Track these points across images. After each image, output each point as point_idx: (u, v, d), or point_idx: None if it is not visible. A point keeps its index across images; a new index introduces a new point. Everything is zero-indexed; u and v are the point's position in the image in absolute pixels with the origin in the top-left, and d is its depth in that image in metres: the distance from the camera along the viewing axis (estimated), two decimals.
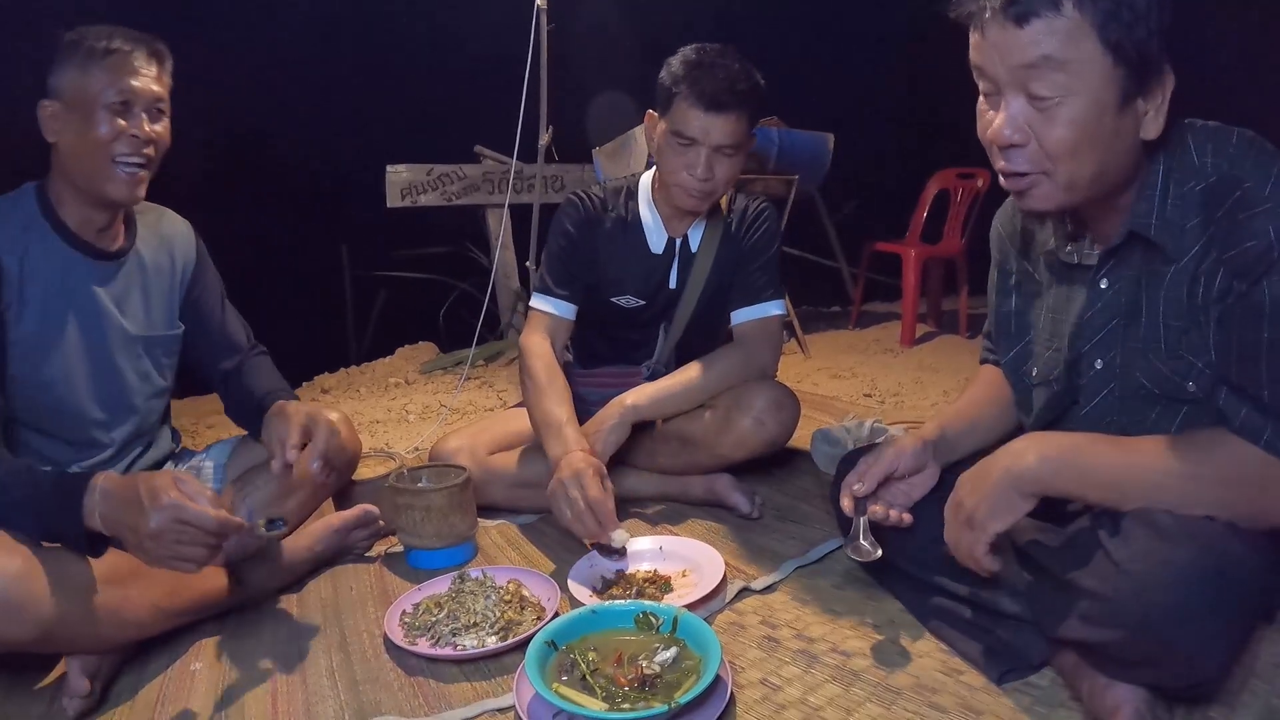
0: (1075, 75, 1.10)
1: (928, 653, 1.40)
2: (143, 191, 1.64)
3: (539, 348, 2.05)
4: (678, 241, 2.14)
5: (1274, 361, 1.10)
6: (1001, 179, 1.24)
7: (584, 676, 1.23)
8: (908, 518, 1.45)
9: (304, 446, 1.61)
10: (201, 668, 1.50)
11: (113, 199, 1.61)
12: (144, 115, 1.60)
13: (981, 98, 1.23)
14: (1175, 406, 1.22)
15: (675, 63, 1.94)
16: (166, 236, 1.82)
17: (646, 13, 4.63)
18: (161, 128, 1.64)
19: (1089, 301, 1.29)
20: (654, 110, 2.02)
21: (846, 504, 1.46)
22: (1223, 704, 1.19)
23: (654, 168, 2.15)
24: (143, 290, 1.75)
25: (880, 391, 3.41)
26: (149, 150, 1.61)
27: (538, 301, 2.14)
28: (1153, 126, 1.15)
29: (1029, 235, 1.44)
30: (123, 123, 1.57)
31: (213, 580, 1.60)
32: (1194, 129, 1.19)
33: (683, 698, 1.14)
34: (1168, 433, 1.22)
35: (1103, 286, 1.27)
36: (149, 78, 1.60)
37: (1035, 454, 1.22)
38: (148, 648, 1.53)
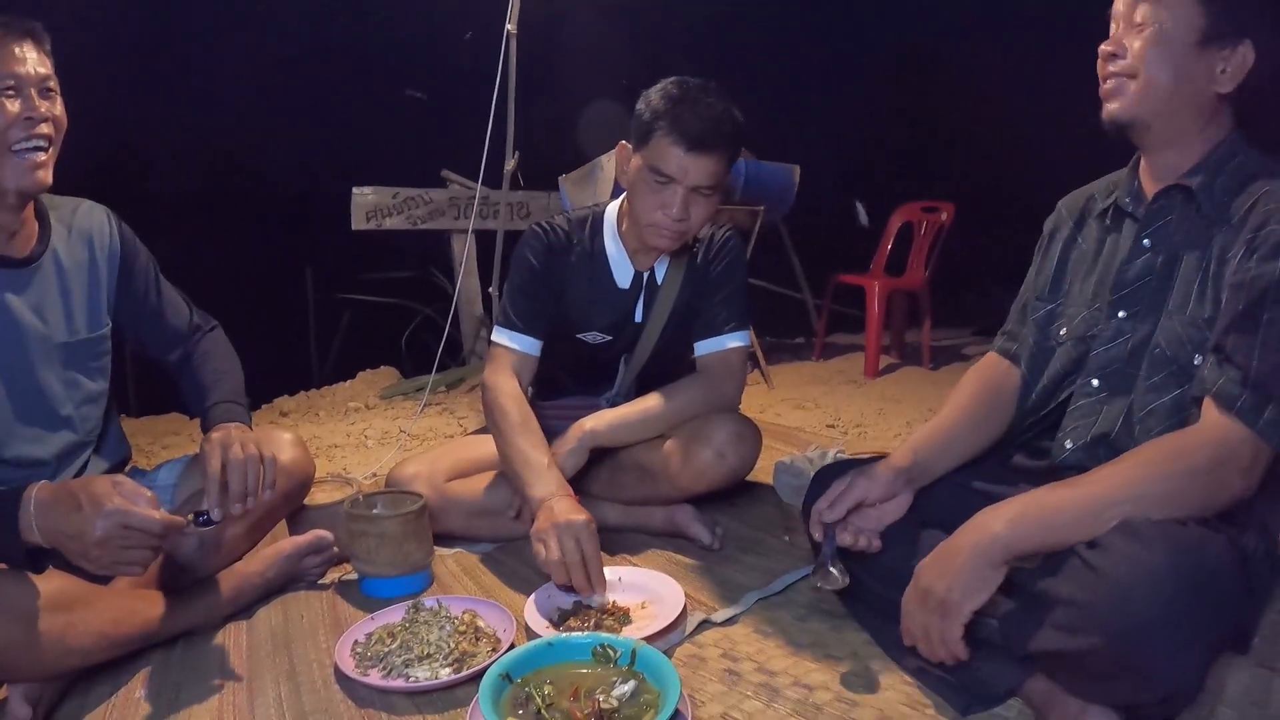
0: (1165, 9, 1.32)
1: (892, 686, 1.38)
2: (48, 176, 1.54)
3: (508, 385, 1.96)
4: (644, 275, 2.09)
5: (1268, 340, 1.19)
6: (1101, 85, 1.41)
7: (539, 711, 1.20)
8: (877, 544, 1.47)
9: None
10: (146, 696, 1.44)
11: (18, 189, 1.51)
12: (34, 94, 1.50)
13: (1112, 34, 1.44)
14: (1176, 380, 1.30)
15: (655, 96, 1.87)
16: (83, 230, 1.71)
17: (616, 41, 4.65)
18: (58, 108, 1.55)
19: (1129, 255, 1.42)
20: (627, 142, 1.94)
21: (816, 532, 1.48)
22: None
23: (619, 199, 2.10)
24: (62, 293, 1.66)
25: (843, 422, 3.42)
26: (46, 129, 1.51)
27: (502, 337, 2.05)
28: (1225, 82, 1.34)
29: (1090, 207, 1.57)
30: (14, 108, 1.47)
31: (160, 607, 1.55)
32: (1249, 143, 1.37)
33: None
34: (1159, 402, 1.32)
35: (1145, 244, 1.40)
36: (31, 59, 1.51)
37: (1000, 521, 1.23)
38: (92, 674, 1.47)
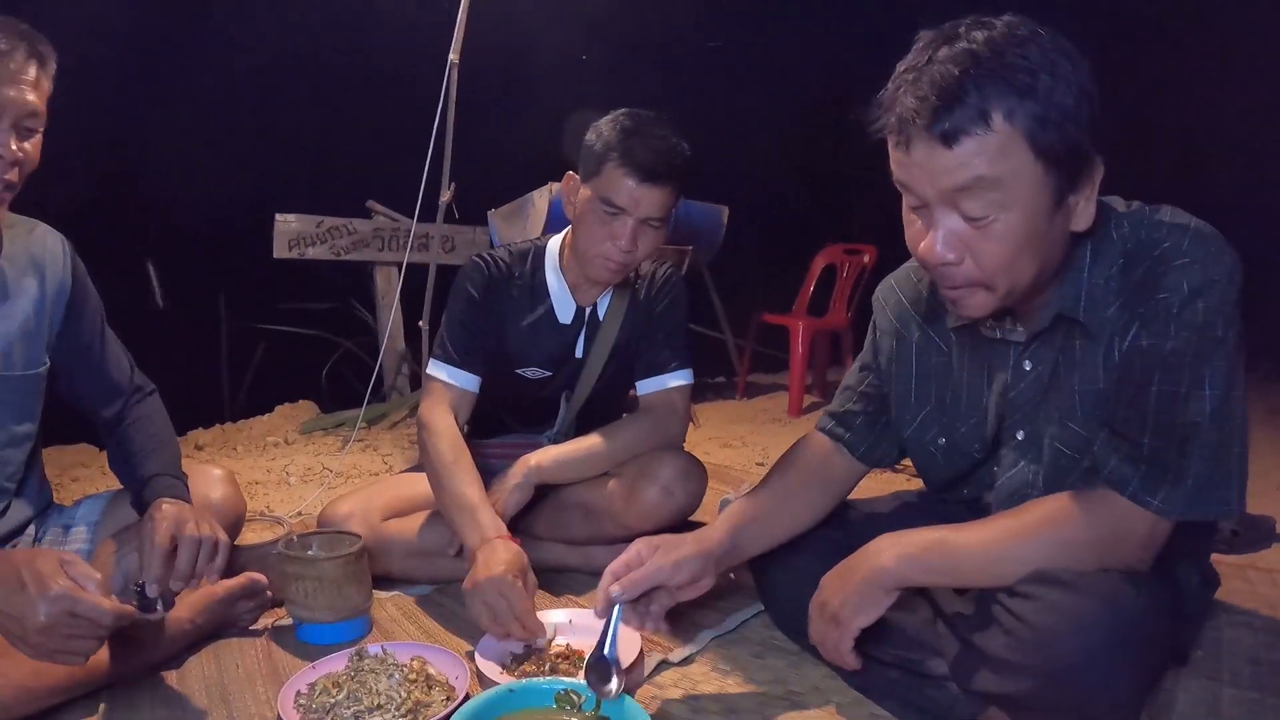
0: (1008, 191, 1.07)
1: (859, 719, 1.38)
2: (3, 214, 1.44)
3: (443, 423, 1.91)
4: (586, 310, 2.07)
5: (1160, 412, 1.14)
6: (939, 288, 1.22)
7: None
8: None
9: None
10: None
11: None
12: (12, 131, 1.36)
13: (907, 208, 1.19)
14: (1091, 475, 1.25)
15: (606, 127, 1.86)
16: (36, 256, 1.58)
17: (549, 77, 4.65)
18: (31, 145, 1.40)
19: (1013, 380, 1.31)
20: (575, 173, 1.93)
21: (600, 604, 1.34)
22: None
23: (563, 233, 2.08)
24: (5, 322, 1.53)
25: (771, 460, 3.42)
26: (11, 174, 1.38)
27: (440, 372, 1.99)
28: (1084, 217, 1.14)
29: (936, 305, 1.42)
30: None
31: None
32: (1114, 210, 1.22)
33: None
34: None
35: (1026, 368, 1.30)
36: (26, 84, 1.35)
37: (893, 555, 1.26)
38: None
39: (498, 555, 1.62)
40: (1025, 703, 1.16)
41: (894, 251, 1.58)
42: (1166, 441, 1.14)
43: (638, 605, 1.36)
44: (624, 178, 1.81)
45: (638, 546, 1.38)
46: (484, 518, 1.73)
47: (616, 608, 1.29)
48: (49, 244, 1.62)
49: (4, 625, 1.19)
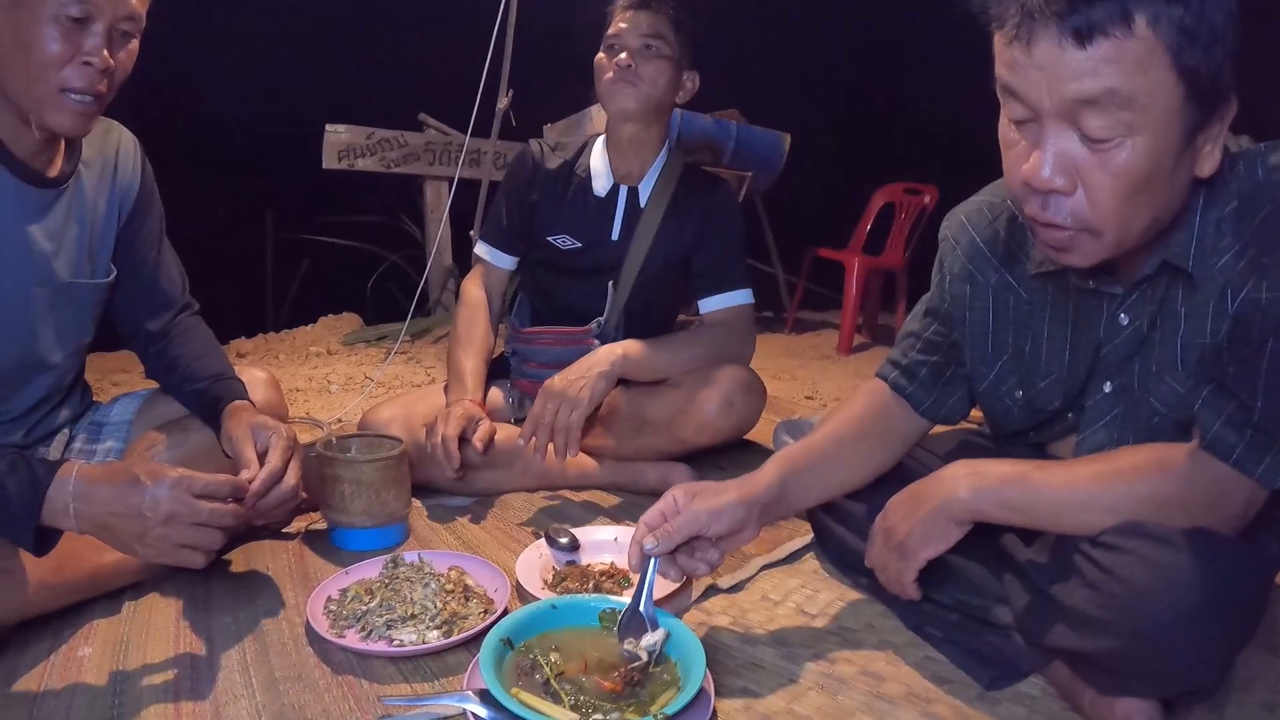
0: (1140, 112, 0.91)
1: (915, 660, 1.29)
2: (92, 125, 1.33)
3: (471, 295, 2.13)
4: (624, 189, 2.06)
5: (1274, 371, 1.00)
6: (1033, 227, 1.06)
7: (547, 680, 1.08)
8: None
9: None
10: (92, 653, 1.27)
11: (54, 129, 1.29)
12: (105, 35, 1.23)
13: (1007, 121, 1.02)
14: (1181, 430, 1.13)
15: None
16: (109, 157, 1.49)
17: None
18: (125, 54, 1.30)
19: (1106, 335, 1.19)
20: None
21: (634, 557, 1.21)
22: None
23: None
24: (80, 225, 1.44)
25: (821, 394, 3.35)
26: (102, 85, 1.26)
27: (481, 249, 2.19)
28: (1209, 162, 0.99)
29: (1016, 248, 1.28)
30: (73, 44, 1.22)
31: (106, 553, 1.35)
32: (1225, 147, 1.05)
33: (669, 708, 1.00)
34: None
35: (1123, 322, 1.17)
36: None
37: (968, 485, 1.17)
38: (26, 630, 1.29)
39: (463, 408, 1.85)
40: (1101, 662, 1.07)
41: (956, 194, 1.45)
42: (1278, 405, 1.01)
43: (679, 558, 1.24)
44: (617, 14, 1.98)
45: (674, 493, 1.24)
46: (469, 383, 1.94)
47: (652, 561, 1.18)
48: (123, 145, 1.54)
49: (120, 529, 1.15)
